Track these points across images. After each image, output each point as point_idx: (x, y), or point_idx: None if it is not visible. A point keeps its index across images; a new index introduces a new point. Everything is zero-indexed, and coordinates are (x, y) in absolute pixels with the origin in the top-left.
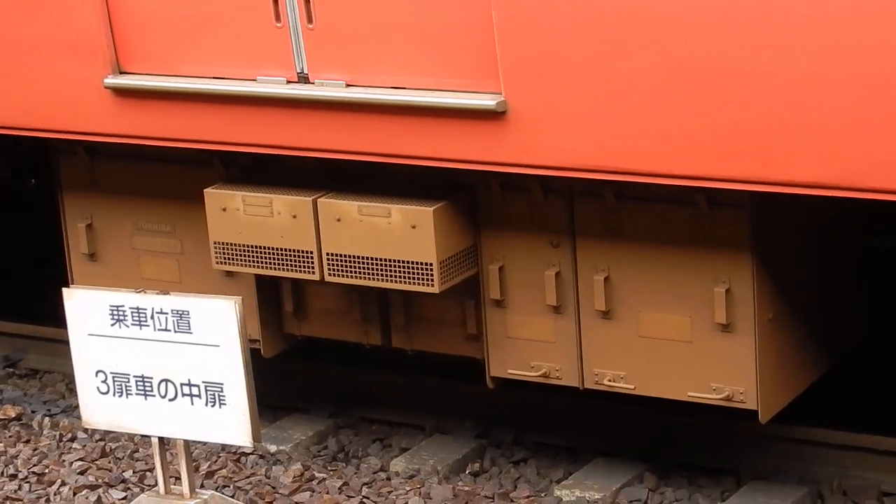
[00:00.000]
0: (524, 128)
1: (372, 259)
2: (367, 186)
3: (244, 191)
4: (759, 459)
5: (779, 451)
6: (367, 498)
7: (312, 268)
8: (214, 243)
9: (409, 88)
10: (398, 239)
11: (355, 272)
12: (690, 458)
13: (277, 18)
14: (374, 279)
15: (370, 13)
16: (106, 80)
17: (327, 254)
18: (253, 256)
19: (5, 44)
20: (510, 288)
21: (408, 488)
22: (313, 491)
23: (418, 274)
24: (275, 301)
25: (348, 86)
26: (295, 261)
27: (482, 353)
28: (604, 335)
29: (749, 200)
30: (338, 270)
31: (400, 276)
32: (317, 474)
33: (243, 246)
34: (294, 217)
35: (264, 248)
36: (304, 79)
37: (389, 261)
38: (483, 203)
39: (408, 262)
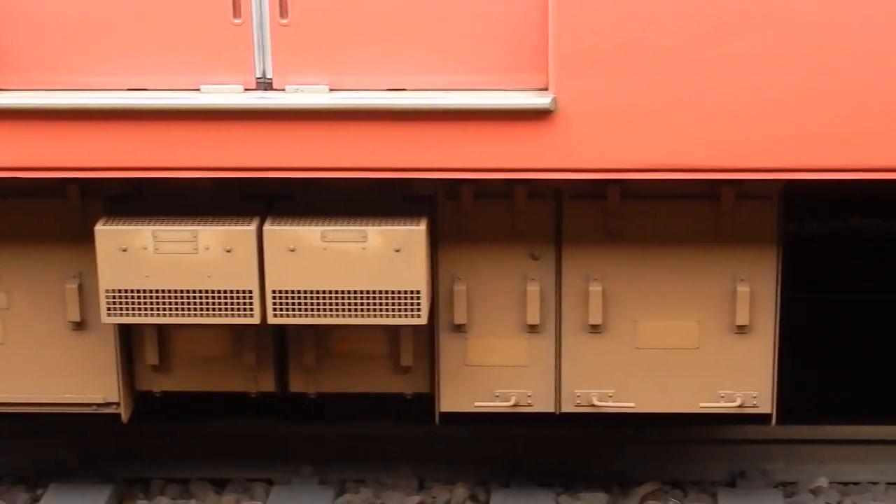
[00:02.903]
0: (574, 127)
1: (338, 293)
2: (300, 207)
3: (153, 224)
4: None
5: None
6: None
7: (251, 310)
8: (108, 292)
9: (409, 90)
10: (374, 267)
11: (314, 310)
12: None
13: (237, 13)
14: (340, 315)
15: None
16: None
17: (274, 292)
18: (164, 304)
19: None
20: (475, 309)
21: None
22: None
23: (401, 305)
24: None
25: (332, 90)
26: (225, 304)
27: (420, 387)
28: (590, 351)
29: (778, 192)
30: (288, 310)
31: (376, 310)
32: None
33: (151, 293)
34: (228, 251)
35: (183, 292)
36: (265, 85)
37: (363, 293)
38: (444, 215)
39: (388, 293)
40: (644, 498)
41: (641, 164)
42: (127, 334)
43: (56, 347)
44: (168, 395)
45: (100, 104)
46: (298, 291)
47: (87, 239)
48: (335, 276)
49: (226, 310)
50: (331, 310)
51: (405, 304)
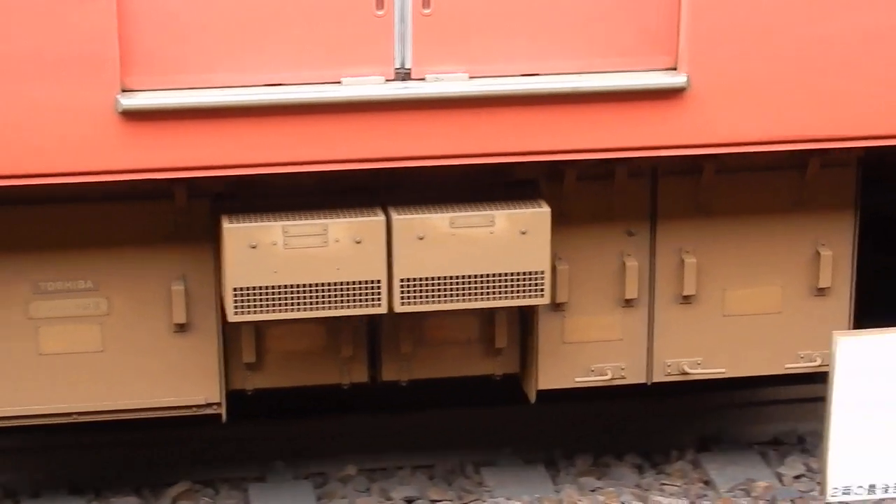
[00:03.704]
0: (703, 104)
1: (466, 278)
2: (413, 196)
3: (283, 220)
4: None
5: None
6: None
7: (378, 300)
8: (236, 290)
9: (543, 75)
10: (502, 250)
11: (441, 296)
12: None
13: (380, 6)
14: (466, 300)
15: None
16: (121, 101)
17: (402, 280)
18: (293, 299)
19: None
20: (574, 287)
21: None
22: None
23: (526, 286)
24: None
25: (471, 78)
26: (353, 296)
27: (509, 368)
28: (681, 322)
29: (856, 158)
30: (415, 298)
31: (502, 292)
32: None
33: (281, 288)
34: (358, 243)
35: (312, 286)
36: (403, 75)
37: (490, 276)
38: (546, 196)
39: (514, 275)
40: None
41: (762, 136)
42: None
43: (157, 352)
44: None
45: (245, 101)
46: (426, 279)
47: (191, 240)
48: (463, 262)
49: (354, 301)
50: (458, 295)
51: (530, 285)
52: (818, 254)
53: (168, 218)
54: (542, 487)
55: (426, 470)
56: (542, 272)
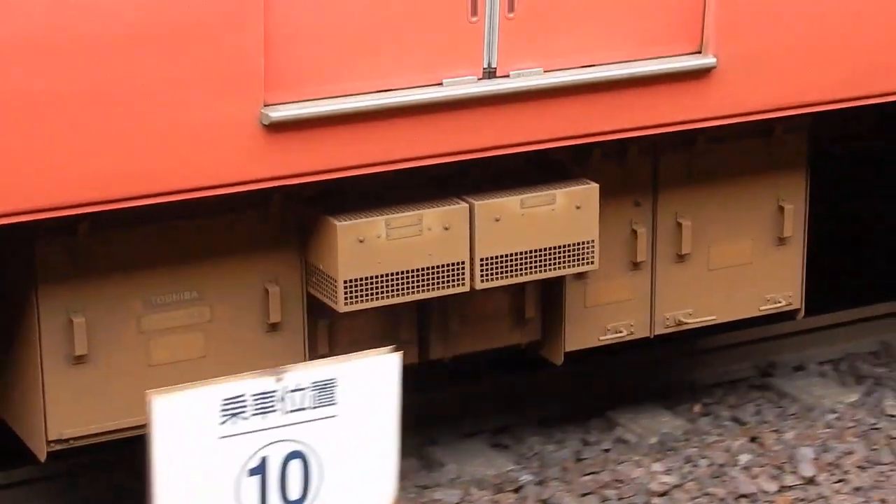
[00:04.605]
0: (727, 81)
1: (533, 252)
2: (480, 183)
3: (384, 214)
4: None
5: None
6: None
7: (463, 279)
8: (346, 282)
9: (602, 64)
10: (561, 224)
11: (514, 271)
12: None
13: (474, 12)
14: (532, 272)
15: None
16: (266, 114)
17: (482, 259)
18: (393, 285)
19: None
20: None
21: None
22: None
23: (581, 255)
24: None
25: (545, 72)
26: (441, 278)
27: (532, 336)
28: (677, 278)
29: (808, 123)
30: (492, 274)
31: (560, 263)
32: None
33: (383, 277)
34: (446, 229)
35: (408, 272)
36: (489, 73)
37: (553, 248)
38: (573, 176)
39: (571, 245)
40: None
41: (779, 104)
42: None
43: (252, 352)
44: None
45: (369, 106)
46: (501, 256)
47: (282, 244)
48: (531, 238)
49: (442, 283)
50: (528, 268)
51: (584, 253)
52: (781, 208)
53: (262, 225)
54: None
55: None
56: (593, 241)
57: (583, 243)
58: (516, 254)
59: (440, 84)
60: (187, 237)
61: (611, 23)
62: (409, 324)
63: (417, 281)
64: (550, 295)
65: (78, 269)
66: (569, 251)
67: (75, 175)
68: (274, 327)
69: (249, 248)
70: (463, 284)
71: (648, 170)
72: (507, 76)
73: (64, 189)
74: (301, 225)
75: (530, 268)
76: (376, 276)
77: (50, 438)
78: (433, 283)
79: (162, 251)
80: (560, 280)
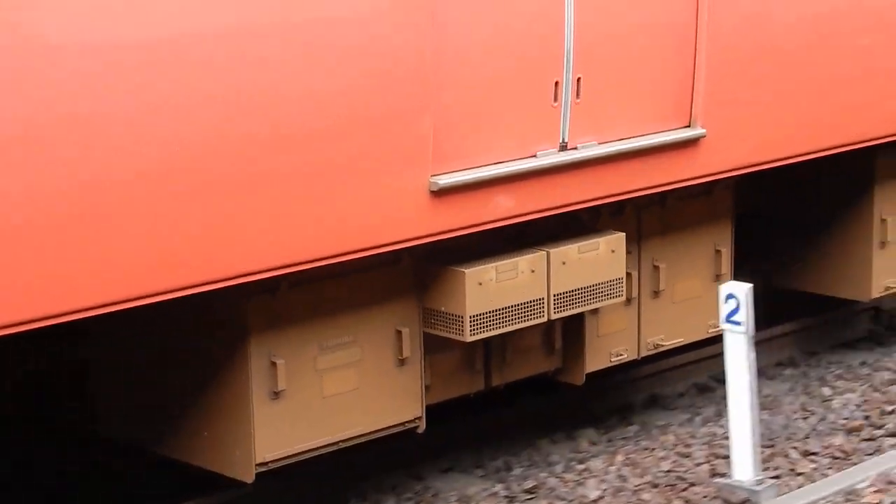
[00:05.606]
0: (712, 146)
1: (586, 288)
2: (539, 237)
3: (493, 262)
4: None
5: None
6: None
7: (542, 312)
8: (471, 317)
9: (630, 137)
10: (603, 265)
11: (576, 303)
12: None
13: (556, 98)
14: (586, 304)
15: (612, 86)
16: (434, 181)
17: (555, 295)
18: (501, 318)
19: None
20: None
21: None
22: None
23: (614, 289)
24: None
25: (599, 144)
26: (529, 311)
27: (556, 364)
28: (654, 310)
29: (734, 180)
30: (562, 307)
31: (604, 294)
32: None
33: (492, 312)
34: (532, 272)
35: (507, 308)
36: (562, 146)
37: (598, 284)
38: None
39: (609, 282)
40: None
41: (755, 161)
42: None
43: (388, 382)
44: None
45: (506, 172)
46: (567, 292)
47: (408, 293)
48: (585, 276)
49: (529, 315)
50: (585, 301)
51: (616, 288)
52: (718, 251)
53: (394, 278)
54: None
55: None
56: (622, 278)
57: (617, 279)
58: (576, 290)
59: (534, 156)
60: (344, 291)
61: (632, 105)
62: (480, 356)
63: (515, 314)
64: (571, 328)
65: (277, 319)
66: (608, 286)
67: (284, 240)
68: (402, 362)
69: (385, 298)
70: (542, 316)
71: (635, 223)
72: (576, 148)
73: (270, 253)
74: (421, 276)
75: (585, 300)
76: (490, 311)
77: (257, 461)
78: (525, 315)
79: (329, 302)
80: (581, 314)
